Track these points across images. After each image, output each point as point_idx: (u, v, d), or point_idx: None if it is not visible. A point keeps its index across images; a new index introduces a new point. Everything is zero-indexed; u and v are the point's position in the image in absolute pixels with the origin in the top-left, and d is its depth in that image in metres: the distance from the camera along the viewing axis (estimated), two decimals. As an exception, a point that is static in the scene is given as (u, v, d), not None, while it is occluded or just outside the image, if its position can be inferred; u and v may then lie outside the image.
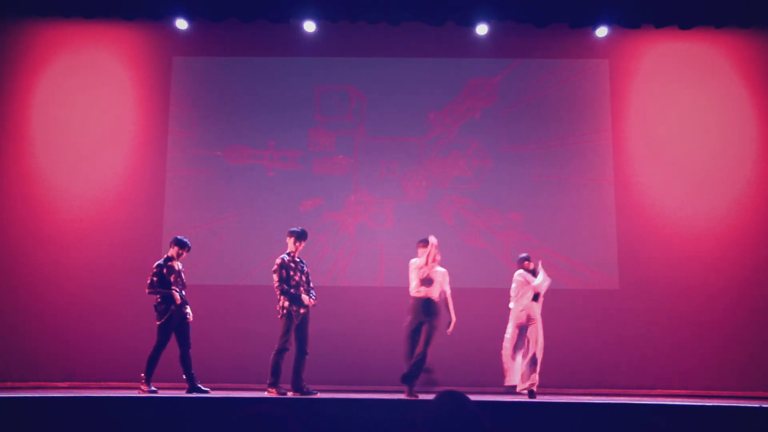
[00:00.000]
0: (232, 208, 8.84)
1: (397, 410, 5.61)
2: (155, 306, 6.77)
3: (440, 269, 6.85)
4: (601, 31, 8.98)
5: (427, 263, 6.77)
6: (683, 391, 8.14)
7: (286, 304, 6.64)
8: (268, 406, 2.14)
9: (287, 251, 6.84)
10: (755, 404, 5.62)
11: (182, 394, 6.58)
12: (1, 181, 8.75)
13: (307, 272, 6.92)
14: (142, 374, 6.65)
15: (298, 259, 6.87)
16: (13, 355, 8.26)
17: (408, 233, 8.80)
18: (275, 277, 6.71)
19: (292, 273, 6.72)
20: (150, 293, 6.80)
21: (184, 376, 6.76)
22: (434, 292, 6.74)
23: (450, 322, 6.82)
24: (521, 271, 7.21)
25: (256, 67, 9.10)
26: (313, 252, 8.61)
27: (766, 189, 8.78)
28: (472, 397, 2.43)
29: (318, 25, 8.88)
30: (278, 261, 6.77)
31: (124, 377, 7.88)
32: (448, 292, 6.84)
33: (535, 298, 7.05)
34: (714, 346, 8.40)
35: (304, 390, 6.57)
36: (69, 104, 8.93)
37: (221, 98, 9.04)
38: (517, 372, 6.91)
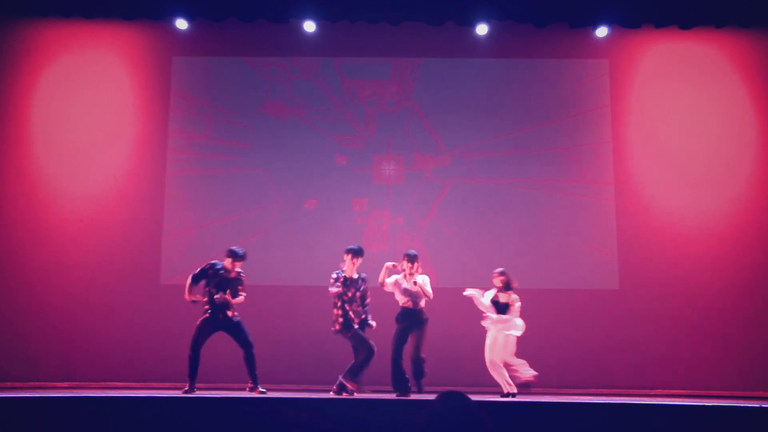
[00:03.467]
0: (231, 208, 8.84)
1: (397, 410, 5.61)
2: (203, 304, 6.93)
3: (420, 277, 6.95)
4: (601, 31, 8.97)
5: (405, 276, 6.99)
6: (683, 391, 8.14)
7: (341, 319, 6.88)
8: (270, 406, 2.14)
9: (342, 268, 7.01)
10: (755, 404, 5.62)
11: (182, 394, 6.57)
12: (1, 181, 8.75)
13: (364, 290, 7.02)
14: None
15: (356, 275, 6.98)
16: (13, 355, 8.25)
17: (407, 233, 8.81)
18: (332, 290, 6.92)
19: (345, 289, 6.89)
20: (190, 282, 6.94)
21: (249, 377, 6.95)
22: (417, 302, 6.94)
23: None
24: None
25: (255, 66, 9.10)
26: (314, 251, 8.61)
27: (766, 189, 8.78)
28: (473, 397, 2.43)
29: (318, 25, 8.88)
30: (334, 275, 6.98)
31: (124, 377, 7.90)
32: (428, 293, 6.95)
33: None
34: (714, 346, 8.40)
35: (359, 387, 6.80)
36: (69, 104, 8.93)
37: (221, 98, 9.04)
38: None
